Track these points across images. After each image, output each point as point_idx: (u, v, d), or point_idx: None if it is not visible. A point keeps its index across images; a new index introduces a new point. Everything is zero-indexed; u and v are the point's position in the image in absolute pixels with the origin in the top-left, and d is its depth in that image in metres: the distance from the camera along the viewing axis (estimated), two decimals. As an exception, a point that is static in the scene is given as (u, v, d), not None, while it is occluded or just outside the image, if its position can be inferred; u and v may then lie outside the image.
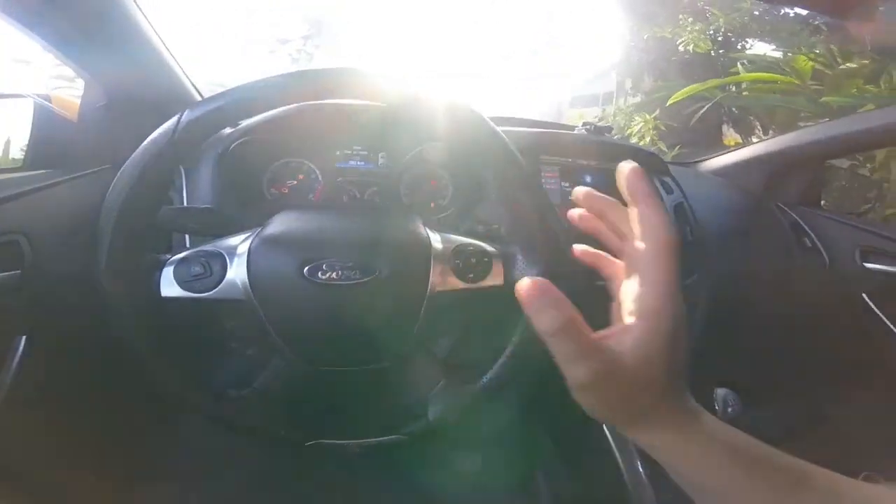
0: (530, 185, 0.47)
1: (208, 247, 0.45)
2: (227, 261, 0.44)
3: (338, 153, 0.78)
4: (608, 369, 0.27)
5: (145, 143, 0.41)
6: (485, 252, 0.48)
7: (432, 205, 0.80)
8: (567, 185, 0.77)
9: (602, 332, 0.29)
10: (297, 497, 0.63)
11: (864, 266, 0.93)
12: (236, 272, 0.43)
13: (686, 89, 1.75)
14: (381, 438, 0.49)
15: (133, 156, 0.41)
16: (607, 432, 0.64)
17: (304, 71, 0.42)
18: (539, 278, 0.27)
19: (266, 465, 0.63)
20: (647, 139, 2.19)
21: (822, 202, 1.11)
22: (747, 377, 0.82)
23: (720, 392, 0.68)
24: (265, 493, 0.62)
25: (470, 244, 0.48)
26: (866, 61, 1.59)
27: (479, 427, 0.64)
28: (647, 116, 2.19)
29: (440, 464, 0.64)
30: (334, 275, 0.43)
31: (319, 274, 0.43)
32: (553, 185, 0.77)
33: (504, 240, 0.51)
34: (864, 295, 0.94)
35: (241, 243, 0.45)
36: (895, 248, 0.90)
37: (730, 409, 0.69)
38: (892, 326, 0.92)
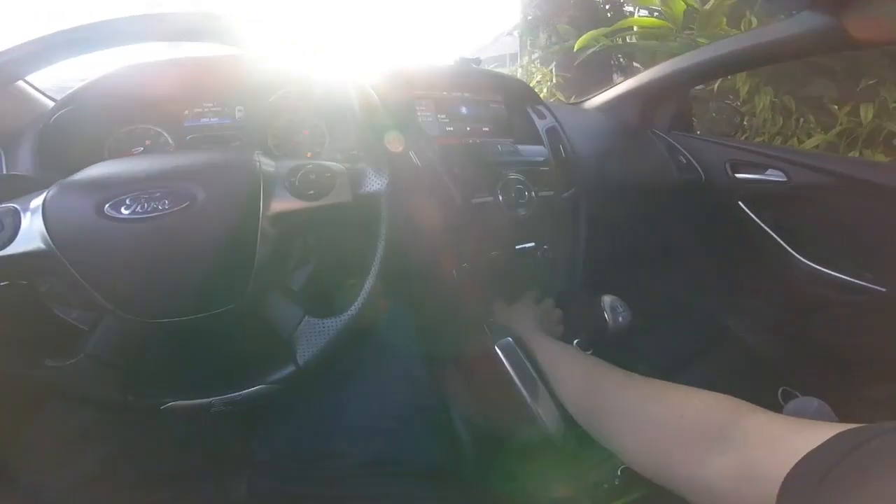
0: (377, 107, 0.46)
1: (2, 205, 0.40)
2: (21, 214, 0.39)
3: (186, 112, 0.70)
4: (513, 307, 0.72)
5: None
6: (326, 168, 0.44)
7: (309, 154, 0.74)
8: (443, 116, 0.76)
9: None
10: (178, 465, 0.56)
11: (734, 177, 1.02)
12: (31, 223, 0.38)
13: (584, 37, 1.82)
14: (244, 391, 0.44)
15: None
16: (501, 356, 0.64)
17: (80, 25, 0.39)
18: None
19: (142, 435, 0.55)
20: (545, 91, 2.28)
21: (697, 132, 1.20)
22: (639, 290, 0.86)
23: (607, 299, 0.70)
24: (142, 465, 0.55)
25: (308, 163, 0.44)
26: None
27: (376, 369, 0.61)
28: (545, 70, 2.28)
29: (340, 414, 0.60)
30: (139, 208, 0.38)
31: (122, 209, 0.38)
32: (429, 118, 0.75)
33: (356, 160, 0.48)
34: (739, 202, 1.04)
35: (37, 196, 0.40)
36: (759, 159, 1.00)
37: (620, 318, 0.71)
38: (767, 229, 1.02)
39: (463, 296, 0.65)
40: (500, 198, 0.66)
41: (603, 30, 2.05)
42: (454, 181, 0.61)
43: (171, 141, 0.69)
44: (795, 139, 1.89)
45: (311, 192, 0.42)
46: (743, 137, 1.72)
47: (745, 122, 1.61)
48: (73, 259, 0.38)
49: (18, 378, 0.41)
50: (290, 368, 0.44)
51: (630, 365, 0.60)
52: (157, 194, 0.38)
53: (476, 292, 0.66)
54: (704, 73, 1.07)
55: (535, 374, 0.61)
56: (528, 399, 0.60)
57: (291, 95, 0.71)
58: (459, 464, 0.66)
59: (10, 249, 0.38)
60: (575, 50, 2.02)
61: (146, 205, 0.38)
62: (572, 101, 1.34)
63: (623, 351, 0.82)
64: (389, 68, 0.76)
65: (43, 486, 0.53)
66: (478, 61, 0.79)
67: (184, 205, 0.38)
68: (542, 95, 1.02)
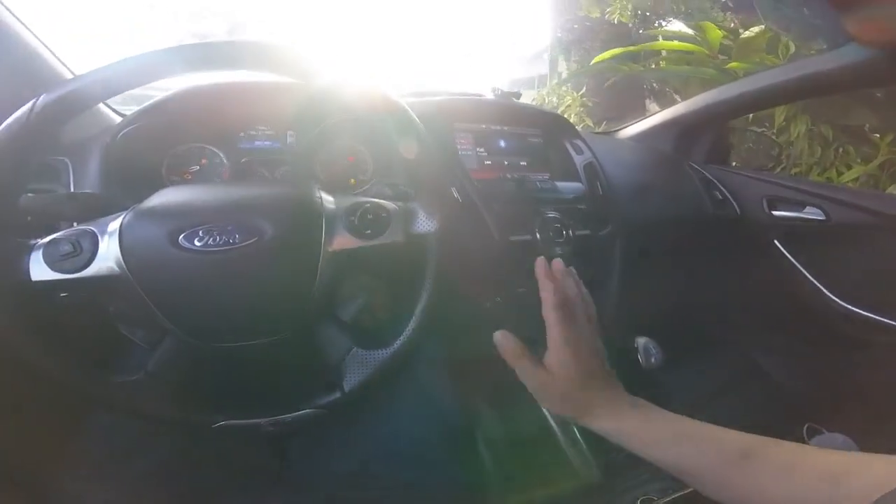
0: (430, 145, 0.47)
1: (81, 226, 0.43)
2: (98, 237, 0.42)
3: (241, 134, 0.74)
4: (547, 379, 0.43)
5: None
6: (382, 208, 0.46)
7: (352, 181, 0.78)
8: (482, 149, 0.78)
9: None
10: (213, 484, 0.59)
11: (771, 214, 1.01)
12: (108, 247, 0.41)
13: (604, 54, 1.83)
14: (293, 414, 0.47)
15: None
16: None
17: (176, 46, 0.41)
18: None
19: (180, 454, 0.58)
20: (574, 116, 2.29)
21: (733, 164, 1.19)
22: (675, 328, 0.85)
23: (640, 341, 0.70)
24: (180, 482, 0.58)
25: (366, 202, 0.47)
26: (762, 29, 1.72)
27: (405, 395, 0.63)
28: (574, 94, 2.28)
29: (370, 437, 0.62)
30: (211, 241, 0.40)
31: (196, 241, 0.40)
32: (468, 151, 0.77)
33: (408, 198, 0.50)
34: (775, 241, 1.02)
35: (113, 220, 0.42)
36: (797, 195, 0.98)
37: (653, 360, 0.71)
38: (802, 269, 1.00)
39: (495, 330, 0.65)
40: (538, 236, 0.67)
41: (627, 49, 2.04)
42: (493, 218, 0.63)
43: (225, 161, 0.73)
44: (834, 170, 1.85)
45: (368, 231, 0.45)
46: (779, 168, 1.68)
47: (782, 155, 1.58)
48: (145, 285, 0.40)
49: (72, 390, 0.43)
50: (336, 395, 0.46)
51: (658, 399, 0.59)
52: (229, 228, 0.41)
53: (508, 327, 0.67)
54: (744, 105, 1.06)
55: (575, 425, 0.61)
56: (561, 438, 0.61)
57: (340, 124, 0.74)
58: (484, 489, 0.67)
59: (87, 272, 0.40)
60: (592, 63, 2.02)
61: (217, 238, 0.40)
62: (602, 128, 1.34)
63: (650, 384, 0.82)
64: (431, 100, 0.79)
65: (84, 499, 0.56)
66: (518, 95, 0.81)
67: (252, 240, 0.41)
68: (570, 120, 1.03)
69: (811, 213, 0.97)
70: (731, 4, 2.30)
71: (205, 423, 0.46)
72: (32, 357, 0.41)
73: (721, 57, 1.94)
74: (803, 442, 0.88)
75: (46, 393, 0.50)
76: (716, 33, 1.79)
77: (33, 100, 0.38)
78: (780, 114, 1.80)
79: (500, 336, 0.46)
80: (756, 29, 1.70)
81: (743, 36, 1.74)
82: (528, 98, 1.00)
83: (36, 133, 0.38)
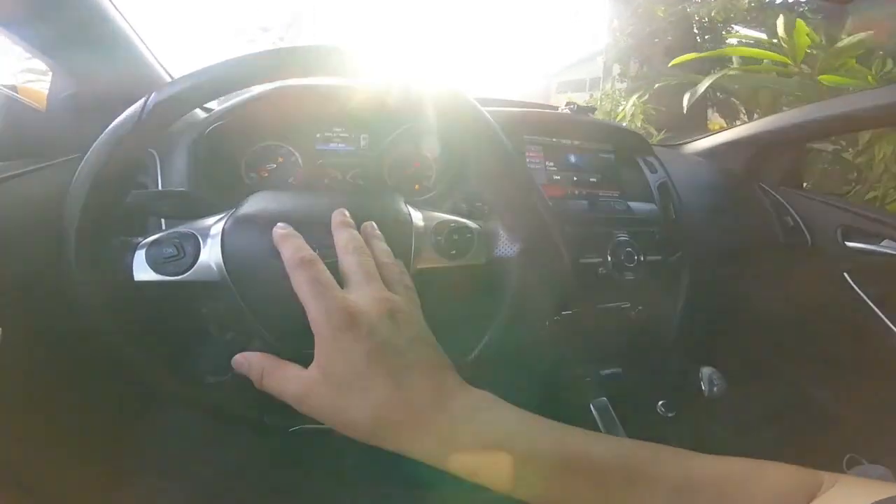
0: (512, 164, 0.46)
1: (181, 228, 0.44)
2: (201, 242, 0.42)
3: (318, 135, 0.76)
4: (304, 388, 0.29)
5: (111, 126, 0.39)
6: (467, 229, 0.47)
7: (417, 186, 0.78)
8: (551, 164, 0.76)
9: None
10: (285, 483, 0.62)
11: (845, 245, 0.95)
12: (210, 253, 0.42)
13: (680, 58, 1.71)
14: None
15: (98, 140, 0.40)
16: (595, 415, 0.64)
17: (276, 49, 0.40)
18: None
19: (252, 453, 0.61)
20: (638, 123, 2.20)
21: (805, 185, 1.13)
22: (732, 356, 0.82)
23: (705, 371, 0.69)
24: (252, 481, 0.61)
25: (452, 221, 0.47)
26: (866, 36, 1.56)
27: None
28: (637, 101, 2.19)
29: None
30: None
31: None
32: (537, 165, 0.76)
33: (487, 217, 0.50)
34: (844, 273, 0.96)
35: (214, 224, 0.44)
36: (874, 226, 0.92)
37: (715, 389, 0.70)
38: (872, 305, 0.95)
39: (555, 348, 0.65)
40: (609, 259, 0.66)
41: (711, 53, 1.94)
42: (564, 240, 0.62)
43: (300, 162, 0.74)
44: (915, 197, 1.70)
45: (453, 251, 0.45)
46: (853, 191, 1.56)
47: (859, 180, 1.46)
48: (244, 292, 0.41)
49: (162, 389, 0.44)
50: None
51: (706, 422, 0.56)
52: (327, 243, 0.41)
53: (568, 346, 0.66)
54: (829, 129, 0.99)
55: (625, 436, 0.61)
56: None
57: (411, 129, 0.74)
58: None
59: (188, 276, 0.41)
60: (670, 65, 1.92)
61: (317, 251, 0.41)
62: (662, 137, 1.29)
63: (703, 409, 0.80)
64: (502, 111, 0.78)
65: (159, 495, 0.59)
66: (592, 109, 0.80)
67: None
68: (630, 126, 1.00)
69: (889, 248, 0.91)
70: (808, 14, 2.15)
71: (285, 426, 0.47)
72: (130, 356, 0.42)
73: (803, 66, 1.80)
74: (842, 472, 0.85)
75: (123, 389, 0.52)
76: (804, 38, 1.63)
77: (144, 98, 0.39)
78: (864, 132, 1.67)
79: (240, 359, 0.36)
80: (857, 37, 1.54)
81: (840, 44, 1.57)
82: (579, 100, 0.97)
83: (147, 131, 0.39)
